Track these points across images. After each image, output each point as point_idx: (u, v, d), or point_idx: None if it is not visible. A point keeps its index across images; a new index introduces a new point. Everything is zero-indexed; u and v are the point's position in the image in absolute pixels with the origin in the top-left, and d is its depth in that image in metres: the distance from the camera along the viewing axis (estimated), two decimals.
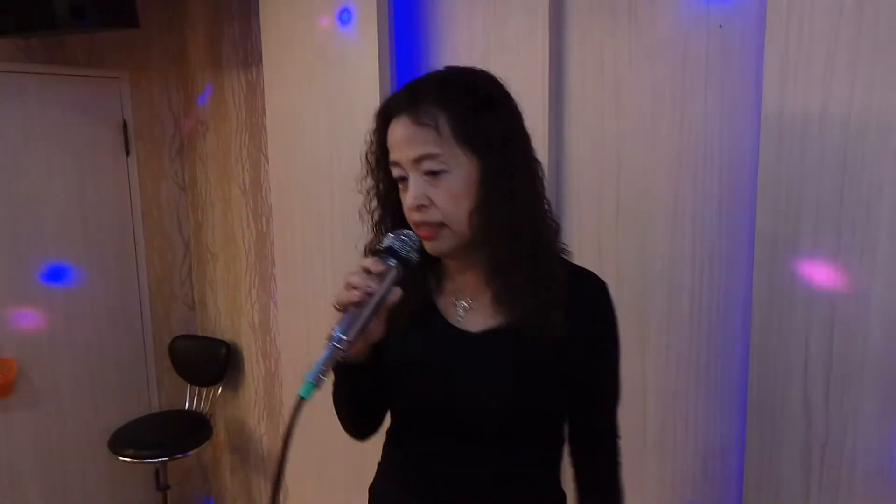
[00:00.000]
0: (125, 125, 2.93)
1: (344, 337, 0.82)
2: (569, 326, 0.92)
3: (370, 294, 0.85)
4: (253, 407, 2.89)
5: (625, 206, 1.48)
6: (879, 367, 1.09)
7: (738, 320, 1.32)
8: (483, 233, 0.92)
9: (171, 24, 2.97)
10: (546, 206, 0.97)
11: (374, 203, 1.01)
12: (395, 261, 0.89)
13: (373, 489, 1.13)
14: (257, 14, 2.49)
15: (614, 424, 1.02)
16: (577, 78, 1.53)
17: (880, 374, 1.09)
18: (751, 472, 1.26)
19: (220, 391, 2.96)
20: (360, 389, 1.02)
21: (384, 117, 0.96)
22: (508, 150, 0.92)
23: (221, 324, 3.02)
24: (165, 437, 2.72)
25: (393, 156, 0.94)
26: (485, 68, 0.98)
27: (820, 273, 1.13)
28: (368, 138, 0.99)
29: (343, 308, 0.85)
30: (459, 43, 1.74)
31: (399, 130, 0.93)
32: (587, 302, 0.97)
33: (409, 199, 0.93)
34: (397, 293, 0.89)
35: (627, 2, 1.43)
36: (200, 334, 3.14)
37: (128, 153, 2.96)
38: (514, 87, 0.98)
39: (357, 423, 1.07)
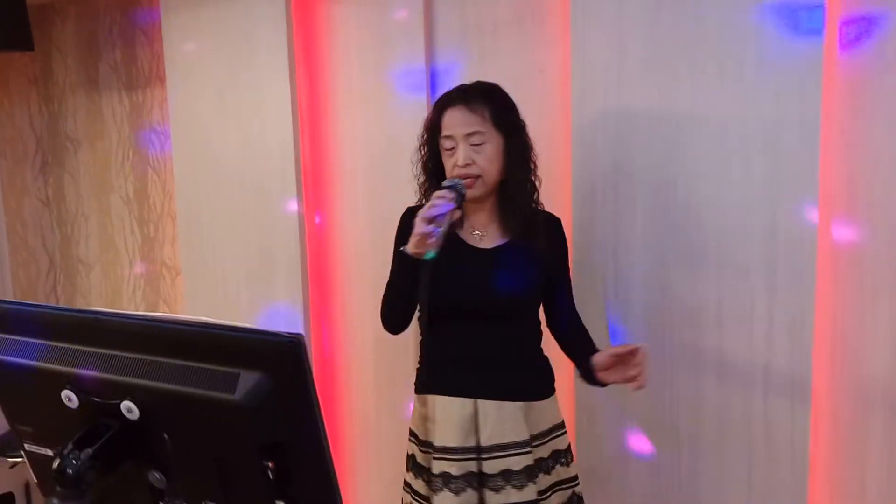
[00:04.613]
0: None
1: (440, 229, 1.37)
2: (546, 245, 1.56)
3: (448, 209, 1.38)
4: None
5: None
6: (642, 272, 1.87)
7: None
8: (502, 185, 1.53)
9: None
10: (535, 173, 1.59)
11: (421, 169, 1.60)
12: (455, 192, 1.43)
13: (417, 382, 1.65)
14: (143, 44, 2.83)
15: (572, 298, 1.69)
16: None
17: (643, 274, 1.87)
18: None
19: None
20: (410, 280, 1.47)
21: (441, 106, 1.54)
22: (521, 136, 1.55)
23: None
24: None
25: (447, 132, 1.51)
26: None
27: (606, 226, 1.89)
28: (425, 123, 1.58)
29: (431, 219, 1.37)
30: (354, 79, 2.31)
31: (456, 114, 1.50)
32: (553, 230, 1.62)
33: (459, 158, 1.49)
34: (458, 213, 1.45)
35: (479, 53, 2.12)
36: None
37: None
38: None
39: (397, 312, 1.57)
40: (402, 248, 1.46)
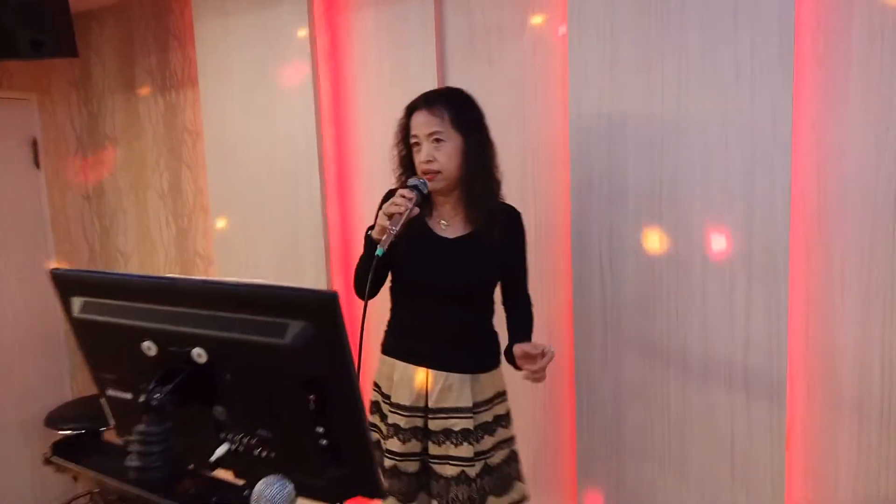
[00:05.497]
0: (35, 142, 3.26)
1: (395, 229, 1.57)
2: (502, 236, 1.73)
3: (406, 208, 1.59)
4: None
5: None
6: (634, 272, 2.05)
7: (563, 265, 2.24)
8: (463, 179, 1.71)
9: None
10: (497, 169, 1.75)
11: (398, 163, 1.79)
12: (416, 191, 1.64)
13: (383, 344, 1.86)
14: (176, 49, 3.05)
15: (527, 289, 1.85)
16: None
17: (636, 277, 2.05)
18: (579, 327, 2.17)
19: None
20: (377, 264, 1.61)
21: (409, 110, 1.74)
22: (480, 135, 1.72)
23: None
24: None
25: (414, 132, 1.71)
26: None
27: (602, 217, 2.07)
28: (398, 124, 1.77)
29: (391, 216, 1.58)
30: (372, 80, 2.51)
31: (420, 117, 1.71)
32: (509, 223, 1.78)
33: (422, 156, 1.70)
34: (416, 210, 1.62)
35: (487, 53, 2.31)
36: None
37: (38, 167, 3.28)
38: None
39: (365, 285, 1.65)
40: (368, 231, 1.69)
